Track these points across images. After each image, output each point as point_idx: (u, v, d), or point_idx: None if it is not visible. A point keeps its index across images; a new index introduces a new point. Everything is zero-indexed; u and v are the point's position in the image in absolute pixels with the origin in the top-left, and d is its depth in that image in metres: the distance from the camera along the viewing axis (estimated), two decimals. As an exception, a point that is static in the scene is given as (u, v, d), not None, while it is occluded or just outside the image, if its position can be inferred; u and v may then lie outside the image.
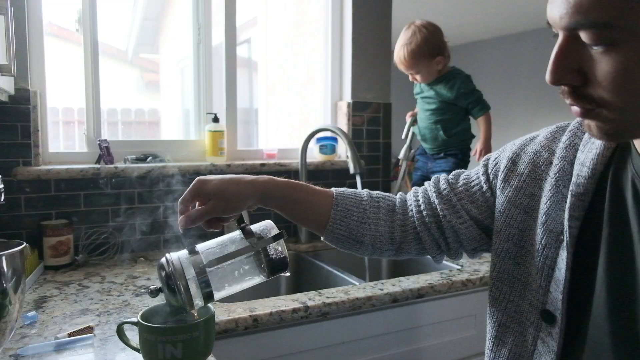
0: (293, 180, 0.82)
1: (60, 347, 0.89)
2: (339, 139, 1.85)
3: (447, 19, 5.13)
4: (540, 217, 0.66)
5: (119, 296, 1.18)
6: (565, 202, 0.62)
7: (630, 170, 0.57)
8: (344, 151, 1.93)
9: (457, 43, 6.29)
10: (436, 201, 0.79)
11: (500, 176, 0.74)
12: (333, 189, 0.83)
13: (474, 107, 1.70)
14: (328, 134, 1.88)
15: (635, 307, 0.54)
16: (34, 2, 1.47)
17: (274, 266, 0.76)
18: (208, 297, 0.74)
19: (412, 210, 0.82)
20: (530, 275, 0.67)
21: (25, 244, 0.80)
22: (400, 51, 1.68)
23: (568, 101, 0.52)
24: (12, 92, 1.36)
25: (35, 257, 1.36)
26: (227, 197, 0.76)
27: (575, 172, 0.62)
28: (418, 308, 1.27)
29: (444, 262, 1.56)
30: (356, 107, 1.94)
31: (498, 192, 0.74)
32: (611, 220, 0.58)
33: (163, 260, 0.75)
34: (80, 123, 1.73)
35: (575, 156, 0.64)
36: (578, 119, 0.66)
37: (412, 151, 1.94)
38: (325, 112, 2.01)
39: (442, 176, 0.83)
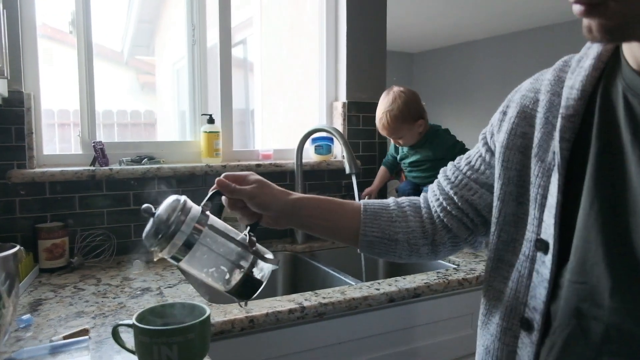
0: None
1: (55, 350, 0.89)
2: (335, 139, 1.85)
3: (442, 19, 5.16)
4: (534, 150, 0.67)
5: (114, 298, 1.18)
6: (556, 130, 0.62)
7: (621, 84, 0.57)
8: (339, 151, 1.93)
9: (453, 43, 6.29)
10: (448, 187, 0.82)
11: (495, 130, 0.76)
12: (360, 201, 0.87)
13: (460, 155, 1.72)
14: (324, 134, 1.88)
15: (627, 215, 0.53)
16: (27, 4, 1.46)
17: (247, 281, 0.76)
18: (183, 250, 0.74)
19: (432, 202, 0.85)
20: (528, 211, 0.68)
21: (18, 246, 0.80)
22: (383, 117, 1.68)
23: None
24: (6, 94, 1.36)
25: (30, 260, 1.35)
26: (265, 189, 0.81)
27: (564, 96, 0.62)
28: (414, 308, 1.28)
29: (441, 261, 1.56)
30: (352, 107, 1.94)
31: (496, 144, 0.75)
32: (600, 134, 0.57)
33: (180, 196, 0.77)
34: (75, 125, 1.73)
35: (562, 87, 0.64)
36: (560, 61, 0.68)
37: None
38: (321, 113, 2.01)
39: (449, 164, 0.86)
